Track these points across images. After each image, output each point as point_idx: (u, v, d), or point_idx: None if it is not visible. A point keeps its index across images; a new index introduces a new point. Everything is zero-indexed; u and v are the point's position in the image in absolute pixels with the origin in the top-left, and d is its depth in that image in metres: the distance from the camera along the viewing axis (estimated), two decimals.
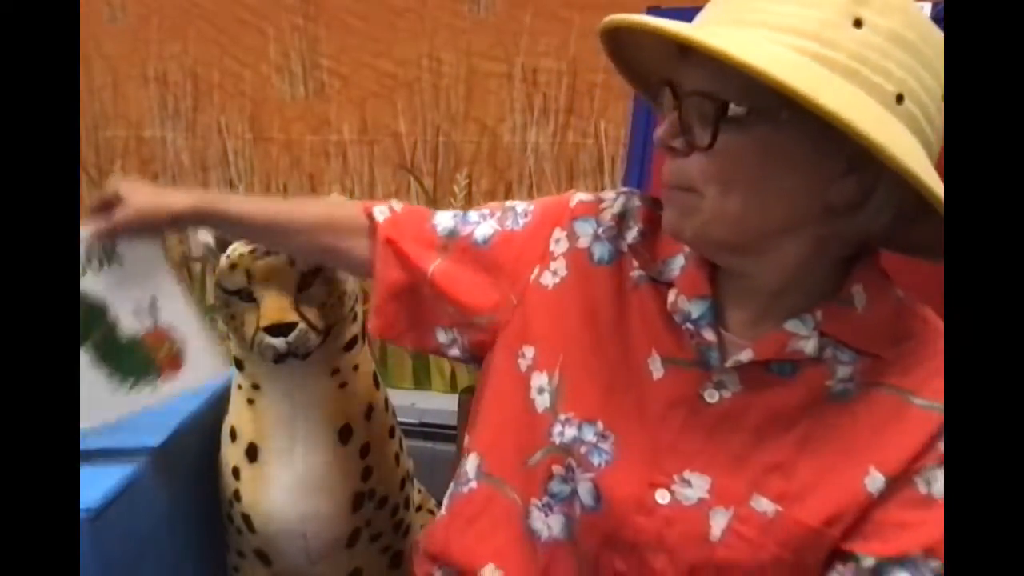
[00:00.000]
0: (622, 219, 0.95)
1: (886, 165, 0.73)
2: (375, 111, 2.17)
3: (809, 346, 0.86)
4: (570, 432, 0.89)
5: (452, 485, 1.02)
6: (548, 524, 0.92)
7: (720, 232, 0.83)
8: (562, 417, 0.90)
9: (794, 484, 0.84)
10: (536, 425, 0.92)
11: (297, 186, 2.23)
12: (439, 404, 2.22)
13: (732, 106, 0.77)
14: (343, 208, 1.11)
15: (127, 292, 1.18)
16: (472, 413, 1.03)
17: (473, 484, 0.97)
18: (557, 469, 0.90)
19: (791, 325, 0.86)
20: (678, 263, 0.91)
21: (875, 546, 0.83)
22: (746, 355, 0.86)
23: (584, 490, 0.89)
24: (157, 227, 1.10)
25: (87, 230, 1.10)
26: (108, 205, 1.09)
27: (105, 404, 1.20)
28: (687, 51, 0.79)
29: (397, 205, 1.07)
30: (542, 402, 0.92)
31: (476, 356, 1.03)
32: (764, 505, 0.84)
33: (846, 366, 0.86)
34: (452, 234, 1.02)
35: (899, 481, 0.83)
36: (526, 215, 1.00)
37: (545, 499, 0.92)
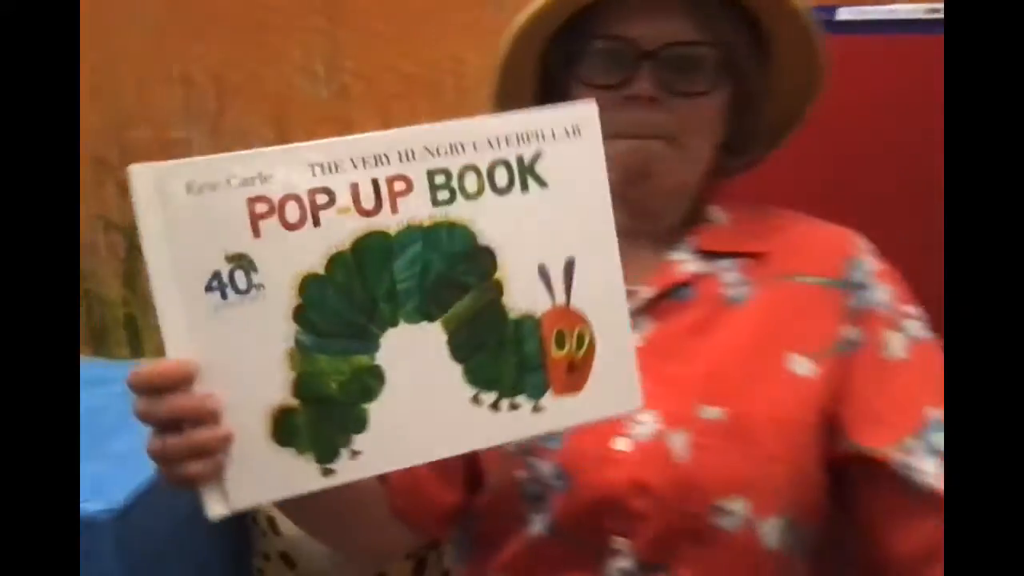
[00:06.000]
0: None
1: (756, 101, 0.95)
2: (398, 113, 2.17)
3: (693, 267, 0.96)
4: None
5: None
6: (535, 524, 0.92)
7: (688, 177, 0.95)
8: None
9: (729, 385, 0.90)
10: None
11: None
12: None
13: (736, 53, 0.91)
14: None
15: (531, 238, 0.74)
16: None
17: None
18: (520, 474, 0.91)
19: (673, 255, 0.97)
20: None
21: (889, 433, 0.89)
22: (646, 292, 0.94)
23: (551, 475, 0.90)
24: None
25: None
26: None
27: (456, 418, 0.73)
28: (650, 7, 0.89)
29: None
30: None
31: None
32: (710, 412, 0.89)
33: (730, 272, 0.96)
34: None
35: (861, 358, 0.92)
36: None
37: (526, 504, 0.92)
